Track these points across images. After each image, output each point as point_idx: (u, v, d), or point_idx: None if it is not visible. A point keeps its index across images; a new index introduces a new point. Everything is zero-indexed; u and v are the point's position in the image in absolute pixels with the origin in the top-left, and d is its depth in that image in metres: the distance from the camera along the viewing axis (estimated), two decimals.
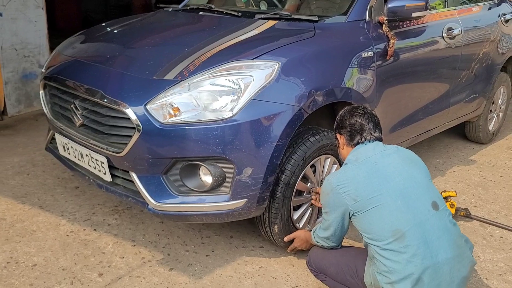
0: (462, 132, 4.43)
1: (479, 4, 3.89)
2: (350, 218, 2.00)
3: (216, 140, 2.09)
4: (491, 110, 4.32)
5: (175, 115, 2.13)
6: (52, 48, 4.37)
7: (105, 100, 2.22)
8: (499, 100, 4.39)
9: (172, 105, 2.13)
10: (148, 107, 2.13)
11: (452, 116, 3.69)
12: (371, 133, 2.03)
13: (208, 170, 2.16)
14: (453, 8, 3.48)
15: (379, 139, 2.06)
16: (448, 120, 3.67)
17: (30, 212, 2.87)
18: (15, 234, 2.64)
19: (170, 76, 2.19)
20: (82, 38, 3.01)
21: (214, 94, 2.14)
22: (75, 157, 2.56)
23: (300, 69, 2.29)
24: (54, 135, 2.80)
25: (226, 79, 2.15)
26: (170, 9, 3.43)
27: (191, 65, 2.22)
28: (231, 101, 2.12)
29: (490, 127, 4.40)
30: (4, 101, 4.39)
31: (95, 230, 2.72)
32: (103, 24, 3.27)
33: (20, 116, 4.50)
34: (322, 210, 2.10)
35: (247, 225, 2.81)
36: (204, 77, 2.16)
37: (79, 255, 2.50)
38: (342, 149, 2.14)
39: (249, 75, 2.15)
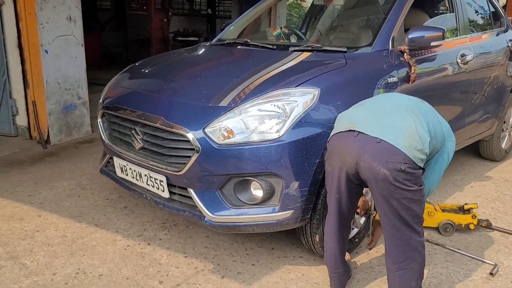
0: (476, 151, 4.70)
1: (488, 31, 4.21)
2: None
3: (267, 158, 2.38)
4: (503, 129, 4.60)
5: (229, 137, 2.43)
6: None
7: (167, 126, 2.53)
8: (510, 120, 4.68)
9: (227, 128, 2.43)
10: (206, 130, 2.43)
11: (467, 135, 3.97)
12: None
13: (260, 184, 2.44)
14: (465, 36, 3.80)
15: None
16: (465, 138, 3.95)
17: (87, 229, 3.15)
18: (78, 249, 2.91)
19: (224, 103, 2.50)
20: (134, 71, 3.34)
21: (262, 118, 2.44)
22: (133, 177, 2.85)
23: (336, 94, 2.59)
24: (110, 159, 3.11)
25: (273, 105, 2.46)
26: (208, 44, 3.78)
27: (242, 93, 2.53)
28: (278, 124, 2.42)
29: (503, 145, 4.67)
30: (48, 131, 4.72)
31: (148, 244, 2.99)
32: (151, 59, 3.62)
33: (61, 144, 4.83)
34: None
35: (285, 238, 3.07)
36: (254, 103, 2.46)
37: (138, 266, 2.76)
38: None
39: (294, 101, 2.45)
